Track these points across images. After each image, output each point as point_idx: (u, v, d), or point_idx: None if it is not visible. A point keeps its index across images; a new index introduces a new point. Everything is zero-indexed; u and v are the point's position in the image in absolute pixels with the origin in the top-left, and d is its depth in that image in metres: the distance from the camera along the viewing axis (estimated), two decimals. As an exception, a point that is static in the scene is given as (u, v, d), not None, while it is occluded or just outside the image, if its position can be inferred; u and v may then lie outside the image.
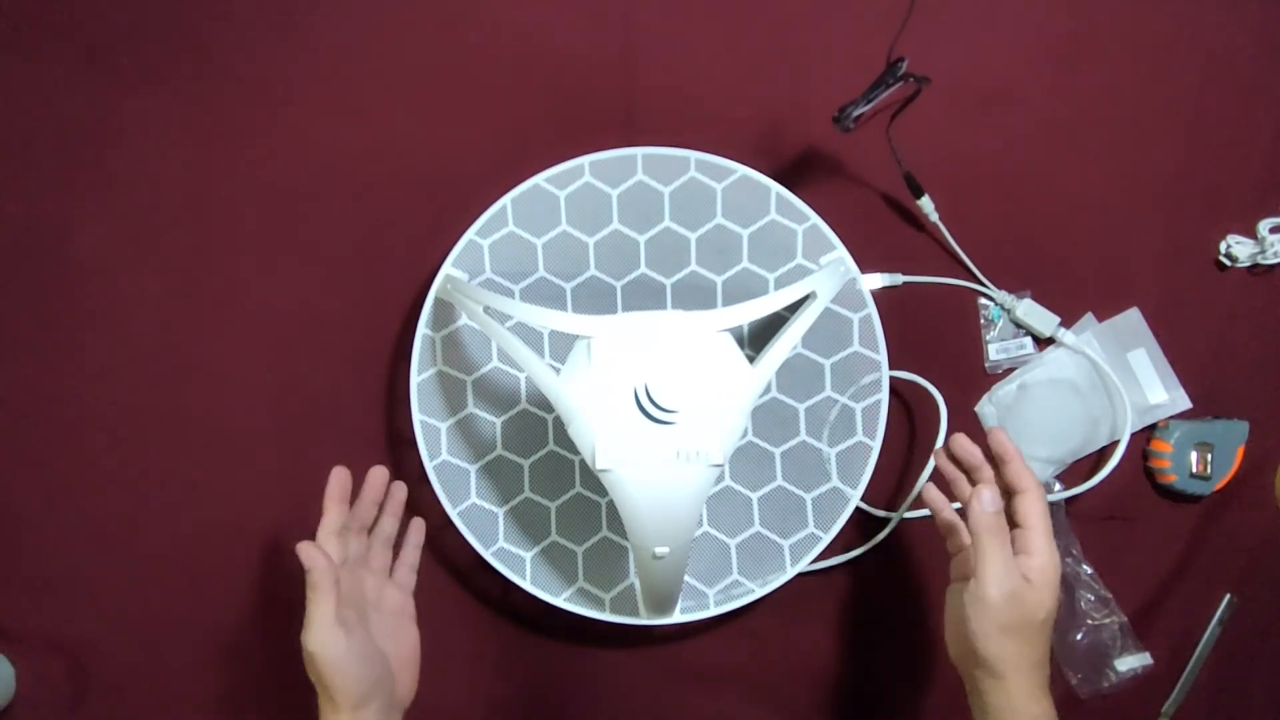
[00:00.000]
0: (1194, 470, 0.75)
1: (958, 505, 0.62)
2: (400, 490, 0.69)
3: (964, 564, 0.60)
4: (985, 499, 0.55)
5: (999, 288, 0.75)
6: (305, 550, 0.57)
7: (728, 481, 0.71)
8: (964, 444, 0.60)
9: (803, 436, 0.71)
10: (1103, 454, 0.76)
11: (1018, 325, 0.76)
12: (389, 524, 0.68)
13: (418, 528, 0.70)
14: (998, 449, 0.59)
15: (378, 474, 0.67)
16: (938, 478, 0.65)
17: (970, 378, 0.77)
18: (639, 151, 0.68)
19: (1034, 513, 0.55)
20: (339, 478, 0.62)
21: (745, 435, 0.71)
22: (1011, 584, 0.54)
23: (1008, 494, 0.58)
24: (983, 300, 0.76)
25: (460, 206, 0.69)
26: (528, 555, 0.71)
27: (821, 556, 0.71)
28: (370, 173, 0.74)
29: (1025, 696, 0.54)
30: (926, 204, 0.72)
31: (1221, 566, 0.77)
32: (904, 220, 0.75)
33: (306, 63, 0.74)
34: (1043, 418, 0.75)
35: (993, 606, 0.53)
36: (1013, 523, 0.57)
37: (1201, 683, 0.79)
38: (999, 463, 0.59)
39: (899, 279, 0.74)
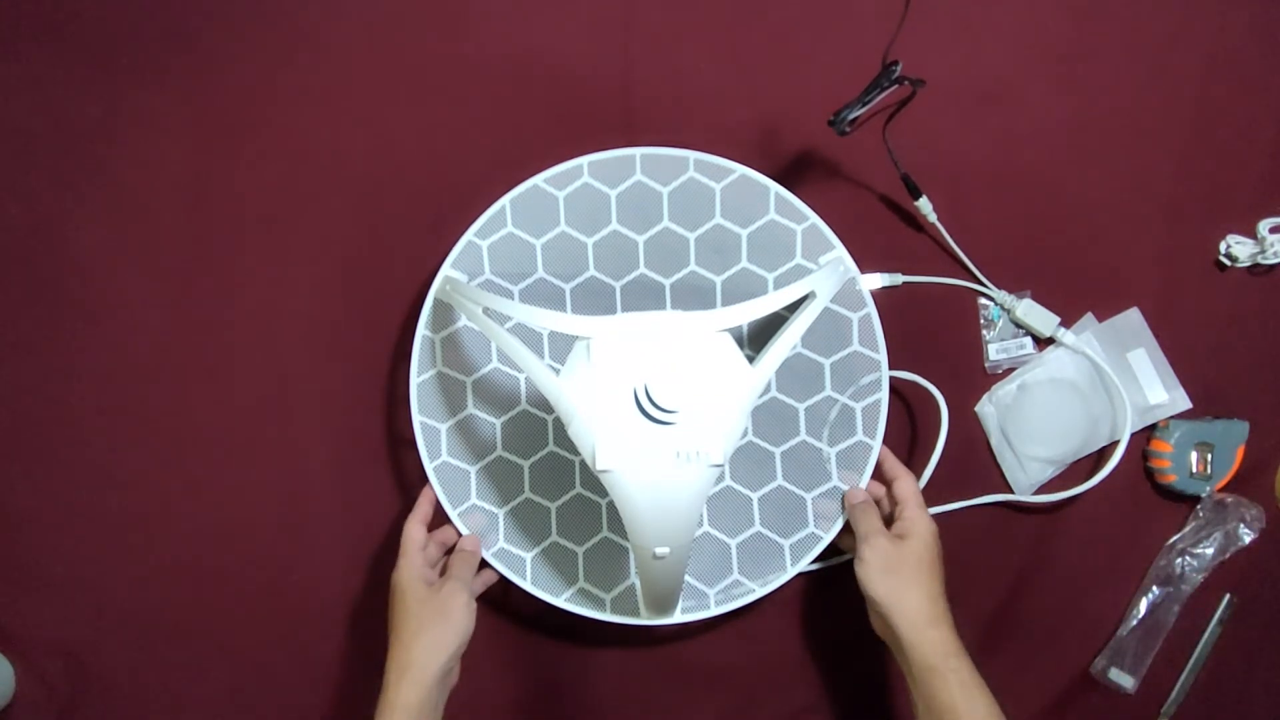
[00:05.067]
0: (1194, 470, 0.75)
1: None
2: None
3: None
4: (850, 491, 0.70)
5: (999, 288, 0.75)
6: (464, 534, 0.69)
7: (728, 481, 0.71)
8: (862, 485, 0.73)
9: (803, 436, 0.71)
10: (1103, 454, 0.76)
11: (1018, 325, 0.76)
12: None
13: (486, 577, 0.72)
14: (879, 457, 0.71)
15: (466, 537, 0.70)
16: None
17: (970, 378, 0.77)
18: (638, 152, 0.68)
19: (903, 490, 0.68)
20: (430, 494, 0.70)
21: (745, 435, 0.71)
22: (877, 539, 0.66)
23: (889, 483, 0.70)
24: (983, 300, 0.76)
25: (459, 207, 0.69)
26: (528, 556, 0.71)
27: (822, 556, 0.71)
28: (369, 174, 0.74)
29: (921, 624, 0.63)
30: (925, 205, 0.72)
31: (1221, 566, 0.77)
32: (903, 220, 0.75)
33: (306, 64, 0.74)
34: (1043, 418, 0.75)
35: (865, 559, 0.65)
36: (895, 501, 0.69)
37: (1201, 682, 0.79)
38: (879, 463, 0.70)
39: (899, 279, 0.74)
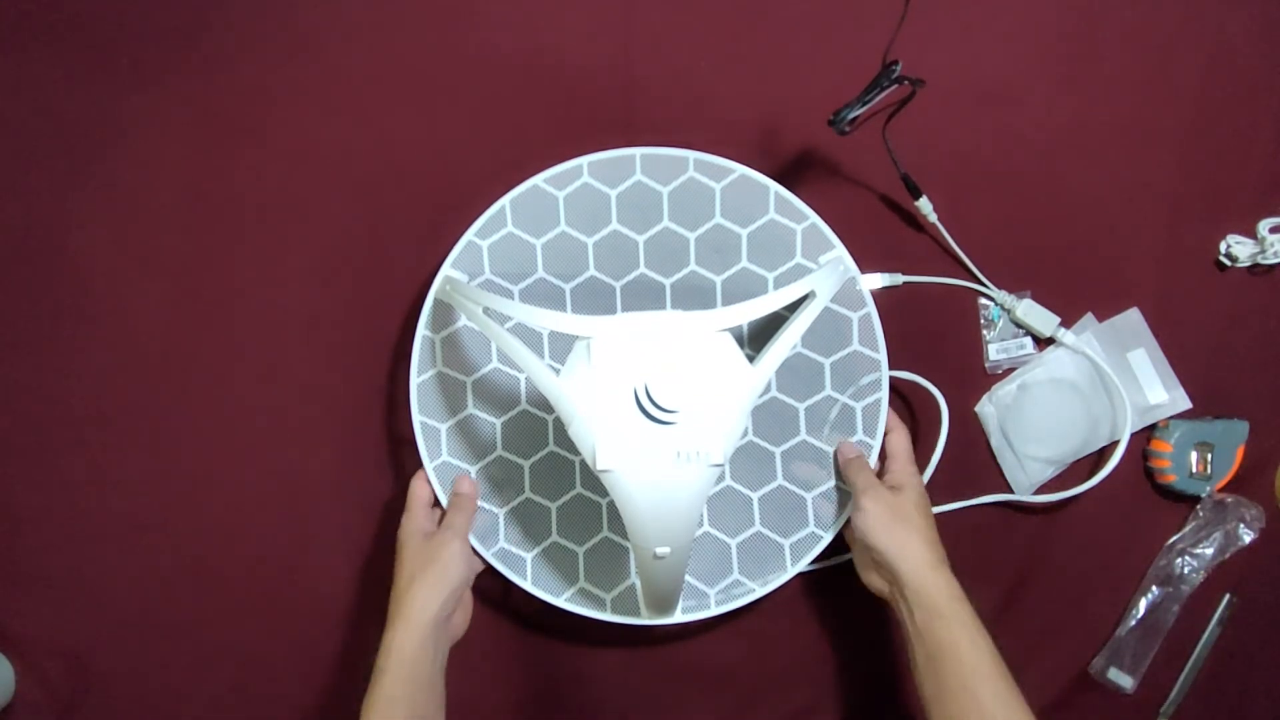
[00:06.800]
0: (1194, 470, 0.75)
1: None
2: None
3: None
4: (842, 445, 0.71)
5: (999, 288, 0.75)
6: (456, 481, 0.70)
7: (728, 481, 0.71)
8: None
9: (803, 436, 0.71)
10: (1103, 454, 0.76)
11: (1018, 325, 0.76)
12: None
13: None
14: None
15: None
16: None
17: (970, 378, 0.77)
18: (638, 151, 0.68)
19: (894, 443, 0.70)
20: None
21: (745, 435, 0.71)
22: (877, 490, 0.67)
23: (886, 433, 0.71)
24: (983, 300, 0.76)
25: (459, 207, 0.69)
26: (528, 556, 0.71)
27: (822, 556, 0.71)
28: (370, 174, 0.74)
29: (925, 567, 0.63)
30: (925, 205, 0.72)
31: (1221, 566, 0.77)
32: (903, 220, 0.75)
33: (306, 64, 0.74)
34: (1043, 418, 0.75)
35: (866, 509, 0.66)
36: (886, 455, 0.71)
37: (1201, 682, 0.79)
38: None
39: (899, 279, 0.74)
